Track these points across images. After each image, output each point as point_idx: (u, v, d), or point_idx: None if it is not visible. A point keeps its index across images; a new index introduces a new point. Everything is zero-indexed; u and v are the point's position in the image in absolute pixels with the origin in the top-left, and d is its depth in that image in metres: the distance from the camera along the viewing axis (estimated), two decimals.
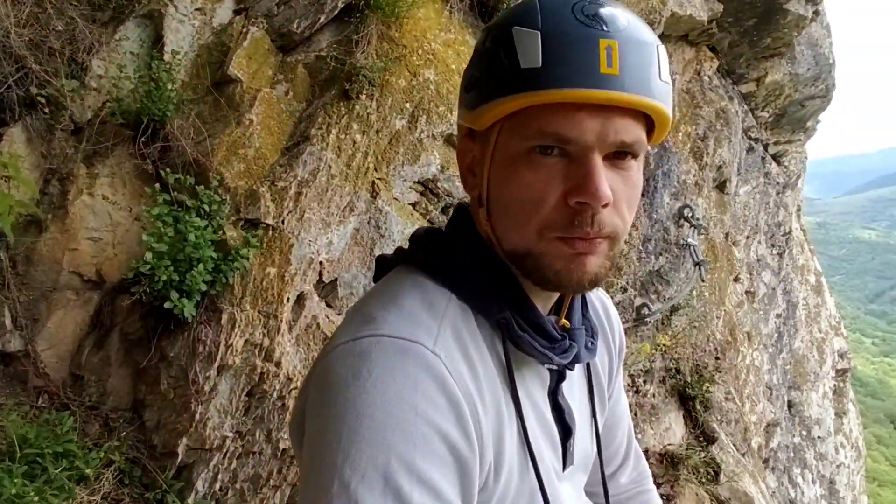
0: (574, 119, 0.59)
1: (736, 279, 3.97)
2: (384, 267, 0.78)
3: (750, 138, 4.37)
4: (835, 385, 5.80)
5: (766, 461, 4.35)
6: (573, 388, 0.82)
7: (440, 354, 0.60)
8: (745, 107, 4.36)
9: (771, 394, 4.36)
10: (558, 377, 0.77)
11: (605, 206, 0.60)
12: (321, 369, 0.62)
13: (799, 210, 5.66)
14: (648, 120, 0.64)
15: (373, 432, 0.55)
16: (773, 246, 4.70)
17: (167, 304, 1.84)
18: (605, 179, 0.59)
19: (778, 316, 4.81)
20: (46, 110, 2.26)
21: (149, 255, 1.85)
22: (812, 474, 4.98)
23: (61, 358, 2.19)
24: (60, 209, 2.22)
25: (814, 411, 5.24)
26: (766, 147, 4.79)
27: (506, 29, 0.62)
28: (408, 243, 0.79)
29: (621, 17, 0.61)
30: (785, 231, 4.91)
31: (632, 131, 0.61)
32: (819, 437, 5.26)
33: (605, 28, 0.59)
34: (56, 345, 2.17)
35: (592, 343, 0.81)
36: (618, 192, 0.61)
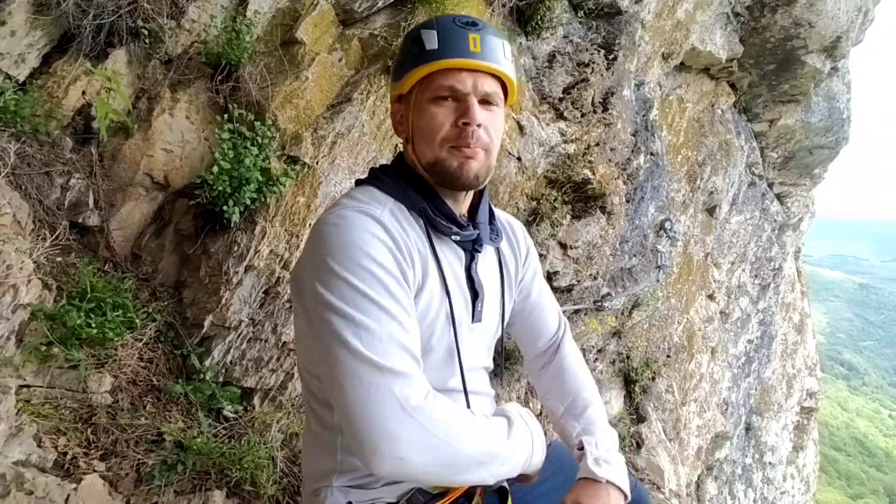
0: (457, 77, 1.04)
1: (711, 297, 4.32)
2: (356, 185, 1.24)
3: (753, 174, 4.65)
4: (798, 420, 6.09)
5: (710, 468, 4.72)
6: (486, 268, 1.23)
7: (383, 218, 1.04)
8: (755, 144, 4.65)
9: (727, 409, 4.71)
10: (471, 257, 1.17)
11: (479, 126, 1.05)
12: (316, 230, 1.06)
13: (798, 252, 5.91)
14: (502, 83, 1.09)
15: (348, 243, 0.97)
16: (756, 277, 4.99)
17: (224, 209, 2.34)
18: (478, 112, 1.04)
19: (749, 342, 5.12)
20: (147, 41, 2.65)
21: (215, 169, 2.34)
22: (755, 494, 5.32)
23: (126, 238, 2.62)
24: (145, 122, 2.62)
25: (771, 438, 5.55)
26: (770, 185, 5.05)
27: (416, 31, 1.08)
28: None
29: (481, 23, 1.07)
30: (774, 267, 5.20)
31: (491, 86, 1.06)
32: (770, 463, 5.57)
33: (472, 28, 1.05)
34: (124, 227, 2.60)
35: (495, 237, 1.23)
36: (485, 121, 1.06)
